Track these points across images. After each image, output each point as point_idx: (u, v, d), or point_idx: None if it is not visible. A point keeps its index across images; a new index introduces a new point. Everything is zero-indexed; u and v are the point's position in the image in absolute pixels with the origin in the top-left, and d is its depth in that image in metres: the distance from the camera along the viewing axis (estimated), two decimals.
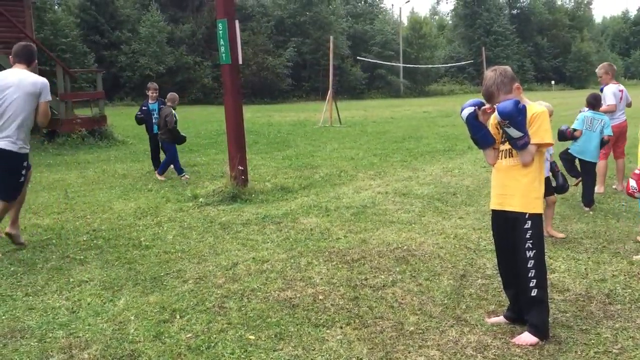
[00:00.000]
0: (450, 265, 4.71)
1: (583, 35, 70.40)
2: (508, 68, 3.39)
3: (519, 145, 3.26)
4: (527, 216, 3.34)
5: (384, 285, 4.29)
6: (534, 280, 3.33)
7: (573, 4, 75.94)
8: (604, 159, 7.55)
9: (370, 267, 4.71)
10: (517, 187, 3.37)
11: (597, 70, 7.87)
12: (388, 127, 18.76)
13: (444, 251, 5.09)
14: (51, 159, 12.13)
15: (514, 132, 3.23)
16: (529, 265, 3.34)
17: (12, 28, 14.47)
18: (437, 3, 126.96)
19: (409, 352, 3.24)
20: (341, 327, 3.58)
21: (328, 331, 3.53)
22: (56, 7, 41.33)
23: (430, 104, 34.28)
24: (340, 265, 4.77)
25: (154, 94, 9.88)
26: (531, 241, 3.33)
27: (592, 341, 3.32)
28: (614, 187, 7.64)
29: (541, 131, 3.27)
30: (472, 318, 3.67)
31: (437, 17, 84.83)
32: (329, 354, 3.25)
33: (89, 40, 38.59)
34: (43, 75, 5.50)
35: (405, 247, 5.23)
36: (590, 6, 76.24)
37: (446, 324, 3.60)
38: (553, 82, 60.03)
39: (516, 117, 3.18)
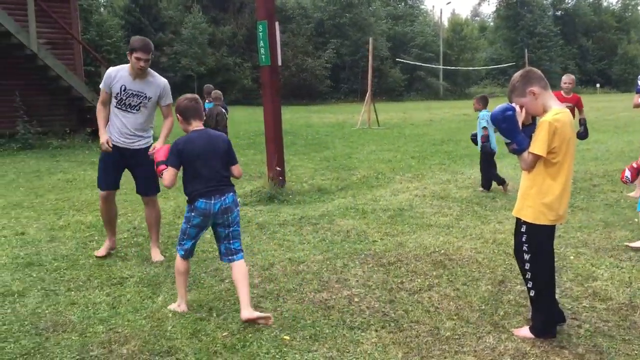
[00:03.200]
0: (488, 271, 4.63)
1: (630, 38, 68.48)
2: (531, 71, 3.36)
3: (510, 150, 3.32)
4: (521, 221, 3.40)
5: (420, 289, 4.25)
6: (531, 282, 3.40)
7: (620, 5, 73.96)
8: None
9: (407, 271, 4.67)
10: (520, 191, 3.43)
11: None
12: (427, 129, 18.61)
13: (482, 256, 5.02)
14: (95, 157, 12.37)
15: (503, 138, 3.32)
16: (526, 267, 3.40)
17: (59, 29, 14.92)
18: (479, 4, 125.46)
19: (445, 358, 3.21)
20: (376, 330, 3.56)
21: (363, 334, 3.52)
22: (102, 9, 42.35)
23: (470, 107, 33.71)
24: (376, 268, 4.75)
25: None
26: (527, 245, 3.37)
27: (635, 352, 3.23)
28: None
29: (536, 141, 3.21)
30: (510, 325, 3.61)
31: (478, 18, 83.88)
32: (363, 356, 3.24)
33: None
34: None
35: (442, 251, 5.17)
36: (638, 7, 74.01)
37: (483, 330, 3.54)
38: (598, 85, 58.54)
39: (500, 123, 3.23)
